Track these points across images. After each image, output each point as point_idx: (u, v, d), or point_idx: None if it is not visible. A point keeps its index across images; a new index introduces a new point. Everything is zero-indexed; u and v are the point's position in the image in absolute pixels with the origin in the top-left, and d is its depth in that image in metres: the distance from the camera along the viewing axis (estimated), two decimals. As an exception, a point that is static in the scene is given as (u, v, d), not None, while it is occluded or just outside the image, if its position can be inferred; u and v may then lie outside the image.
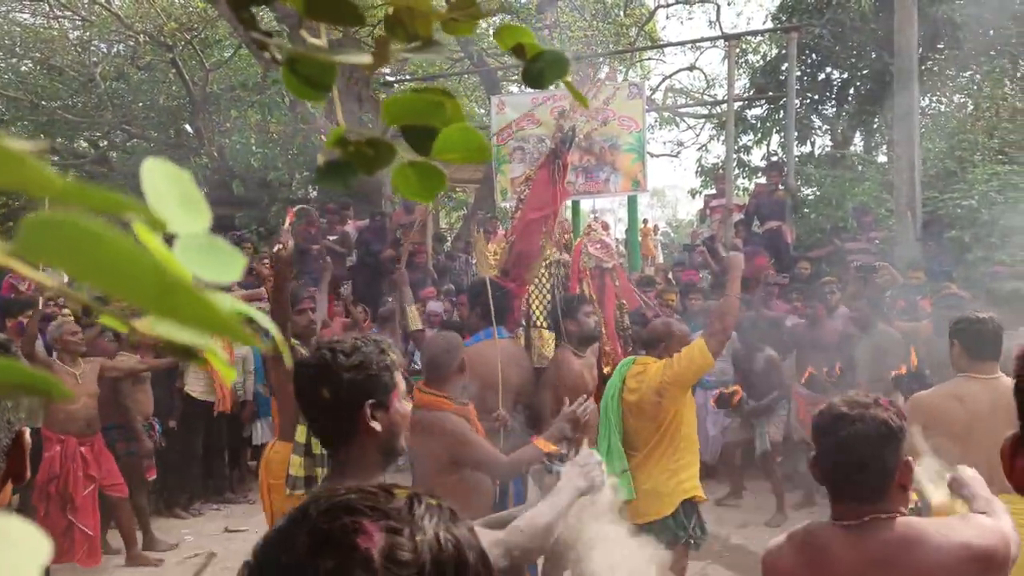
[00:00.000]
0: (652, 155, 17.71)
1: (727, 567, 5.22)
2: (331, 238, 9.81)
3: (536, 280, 4.43)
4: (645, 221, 15.22)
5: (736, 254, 3.78)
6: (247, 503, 6.80)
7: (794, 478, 6.58)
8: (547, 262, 4.38)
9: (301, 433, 3.68)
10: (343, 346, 1.75)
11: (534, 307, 4.39)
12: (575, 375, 3.85)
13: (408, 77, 13.43)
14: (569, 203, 13.10)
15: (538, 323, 4.37)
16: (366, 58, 0.60)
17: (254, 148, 10.46)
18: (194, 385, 6.55)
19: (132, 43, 13.28)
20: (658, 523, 3.31)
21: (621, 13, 14.63)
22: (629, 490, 3.32)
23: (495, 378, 3.77)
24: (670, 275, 9.41)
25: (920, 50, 11.33)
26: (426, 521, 0.75)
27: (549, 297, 4.40)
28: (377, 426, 1.69)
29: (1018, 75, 11.30)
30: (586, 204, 14.15)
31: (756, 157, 13.55)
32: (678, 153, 17.73)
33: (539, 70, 0.83)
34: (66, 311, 6.02)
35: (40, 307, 5.85)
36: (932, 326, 5.64)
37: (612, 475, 3.35)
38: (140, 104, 13.24)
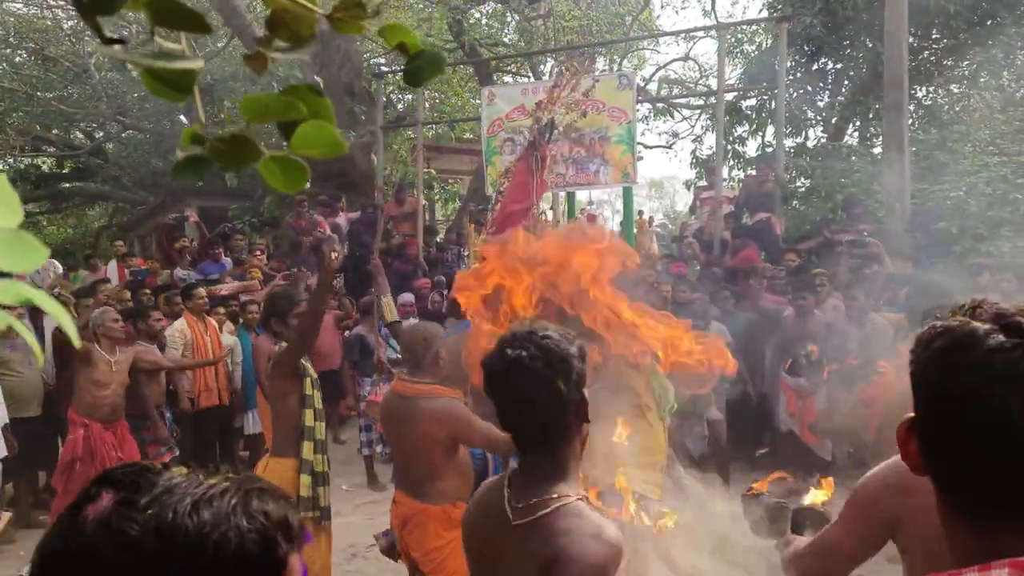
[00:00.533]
0: (646, 146, 17.71)
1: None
2: (320, 231, 9.84)
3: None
4: (640, 213, 15.21)
5: None
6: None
7: (785, 467, 6.60)
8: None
9: (308, 449, 3.58)
10: (552, 333, 1.64)
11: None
12: None
13: (400, 68, 13.40)
14: (564, 194, 13.17)
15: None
16: (197, 61, 0.63)
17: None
18: (181, 381, 6.68)
19: (126, 33, 13.28)
20: None
21: (616, 2, 14.59)
22: None
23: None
24: (659, 267, 9.42)
25: (914, 40, 11.33)
26: (174, 496, 0.73)
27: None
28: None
29: (1012, 67, 11.28)
30: (583, 195, 14.17)
31: (752, 148, 13.55)
32: (672, 144, 17.74)
33: (417, 68, 0.86)
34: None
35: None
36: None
37: None
38: (135, 95, 13.24)
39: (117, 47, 0.61)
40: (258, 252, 9.57)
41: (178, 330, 6.68)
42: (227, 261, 9.10)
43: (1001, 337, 0.85)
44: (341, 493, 6.59)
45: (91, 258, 10.60)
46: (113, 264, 9.77)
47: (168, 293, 7.39)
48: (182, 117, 12.91)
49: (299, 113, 0.67)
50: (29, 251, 0.45)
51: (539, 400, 1.58)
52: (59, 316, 0.47)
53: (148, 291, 7.67)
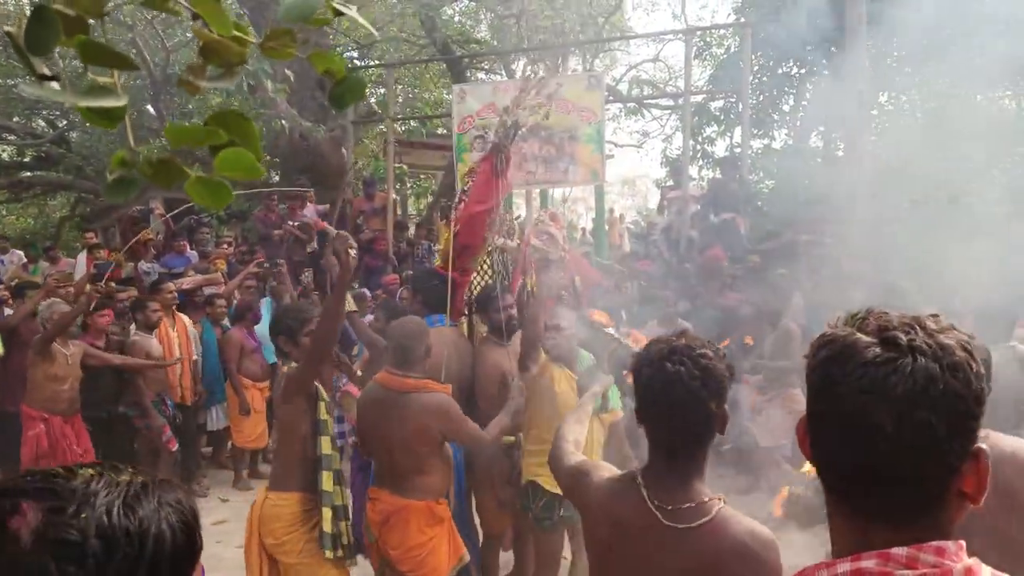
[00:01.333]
0: (617, 145, 17.86)
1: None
2: (292, 223, 9.82)
3: (479, 268, 4.54)
4: (612, 210, 15.38)
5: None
6: (199, 496, 6.79)
7: (745, 462, 6.78)
8: (489, 249, 4.48)
9: (328, 480, 3.23)
10: (707, 350, 1.74)
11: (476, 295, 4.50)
12: (491, 364, 3.98)
13: (373, 63, 13.40)
14: (537, 192, 13.24)
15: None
16: (122, 99, 0.69)
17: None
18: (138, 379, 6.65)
19: (92, 21, 13.07)
20: (522, 491, 3.74)
21: (589, 3, 14.67)
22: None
23: (435, 367, 3.88)
24: (626, 264, 9.57)
25: (874, 47, 11.57)
26: (99, 498, 0.75)
27: (492, 284, 4.51)
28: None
29: (964, 74, 11.55)
30: (558, 192, 14.24)
31: (720, 148, 13.75)
32: (643, 144, 17.91)
33: (340, 93, 0.93)
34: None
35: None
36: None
37: None
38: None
39: (53, 84, 0.68)
40: (224, 245, 9.53)
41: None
42: (192, 254, 9.05)
43: (877, 350, 0.91)
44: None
45: (51, 249, 10.46)
46: (83, 256, 9.65)
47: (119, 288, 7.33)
48: (149, 107, 12.77)
49: (220, 139, 0.74)
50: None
51: (691, 414, 1.71)
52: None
53: (113, 284, 7.61)
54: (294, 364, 3.32)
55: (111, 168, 0.74)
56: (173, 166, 0.74)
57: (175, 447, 6.27)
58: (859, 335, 0.94)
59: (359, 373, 4.77)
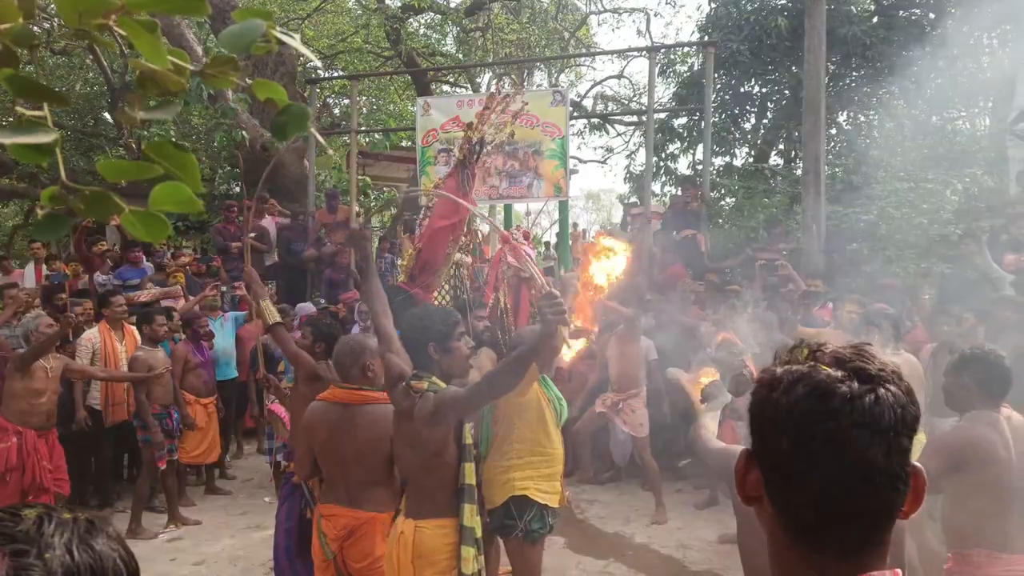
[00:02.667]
0: (581, 160, 18.00)
1: (629, 566, 5.38)
2: (251, 235, 9.69)
3: (443, 286, 4.54)
4: (575, 225, 15.49)
5: (569, 276, 3.73)
6: (158, 511, 6.63)
7: (703, 477, 6.85)
8: (453, 264, 4.49)
9: (470, 514, 2.88)
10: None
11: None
12: None
13: (336, 75, 13.33)
14: (501, 207, 13.26)
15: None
16: (53, 135, 0.68)
17: (173, 141, 10.24)
18: (96, 396, 6.54)
19: (48, 26, 12.82)
20: (497, 510, 3.58)
21: (555, 18, 14.81)
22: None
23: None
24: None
25: (835, 68, 11.86)
26: (56, 538, 0.79)
27: (449, 298, 4.51)
28: None
29: (923, 96, 11.89)
30: (521, 206, 14.28)
31: (683, 165, 13.93)
32: (607, 159, 18.09)
33: (282, 123, 0.92)
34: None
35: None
36: (842, 334, 5.97)
37: None
38: (55, 89, 12.79)
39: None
40: (183, 257, 9.37)
41: (86, 338, 6.46)
42: (148, 266, 8.88)
43: (855, 384, 0.92)
44: (264, 506, 6.55)
45: (3, 259, 10.19)
46: (31, 267, 9.41)
47: (71, 300, 7.15)
48: (106, 115, 12.53)
49: (154, 173, 0.73)
50: None
51: None
52: None
53: (63, 296, 7.44)
54: (435, 380, 2.89)
55: (41, 203, 0.73)
56: (108, 199, 0.72)
57: (163, 465, 6.15)
58: (826, 369, 0.95)
59: (287, 392, 4.68)
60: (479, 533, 2.91)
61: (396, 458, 3.08)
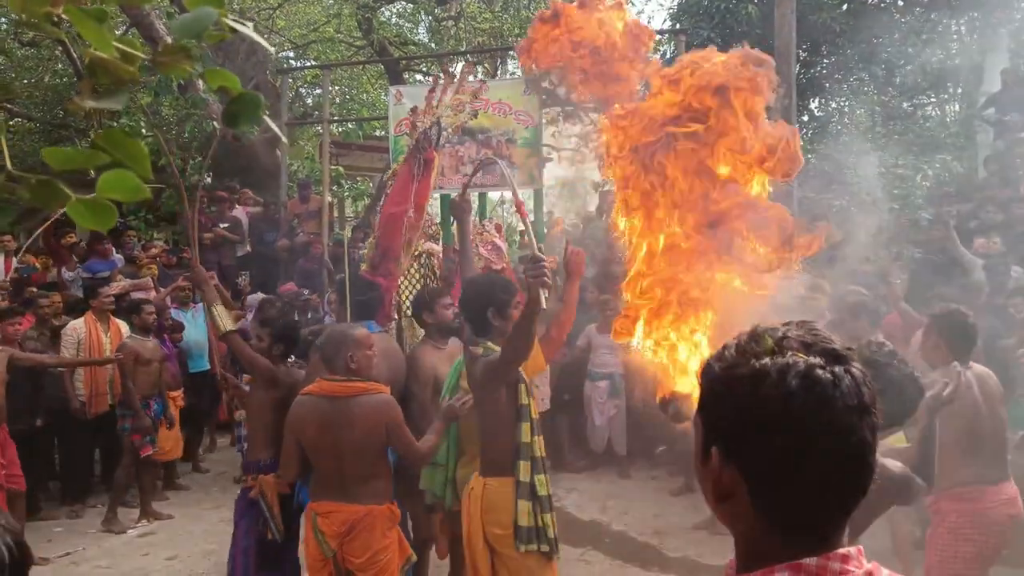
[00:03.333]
0: (555, 149, 17.93)
1: (606, 553, 5.44)
2: (223, 225, 9.61)
3: (406, 272, 4.50)
4: (551, 213, 15.46)
5: (577, 250, 3.48)
6: (130, 506, 6.60)
7: (678, 464, 6.92)
8: (416, 253, 4.45)
9: (525, 470, 3.03)
10: None
11: (404, 299, 4.47)
12: (427, 368, 3.97)
13: (309, 64, 13.21)
14: (475, 194, 13.18)
15: (408, 314, 4.46)
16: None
17: (144, 132, 10.10)
18: (81, 388, 6.49)
19: (15, 17, 12.54)
20: None
21: (528, 7, 14.75)
22: (451, 498, 3.48)
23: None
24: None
25: (806, 55, 11.96)
26: None
27: (419, 288, 4.49)
28: None
29: (892, 83, 12.04)
30: (493, 195, 14.26)
31: (656, 152, 13.98)
32: (580, 148, 18.01)
33: (234, 112, 0.92)
34: None
35: None
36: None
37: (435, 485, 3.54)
38: (24, 81, 12.53)
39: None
40: (153, 248, 9.27)
41: (72, 328, 6.44)
42: (118, 258, 8.77)
43: (837, 368, 0.93)
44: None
45: (-30, 252, 10.00)
46: (0, 259, 9.26)
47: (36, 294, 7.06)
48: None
49: (100, 161, 0.73)
50: None
51: None
52: None
53: (33, 289, 7.34)
54: (489, 345, 3.18)
55: (-10, 190, 0.73)
56: (54, 187, 0.73)
57: (148, 452, 6.17)
58: (803, 356, 0.94)
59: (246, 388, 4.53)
60: (543, 491, 3.06)
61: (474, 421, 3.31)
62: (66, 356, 6.27)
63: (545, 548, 3.03)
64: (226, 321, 3.71)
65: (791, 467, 0.92)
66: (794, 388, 0.91)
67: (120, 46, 0.83)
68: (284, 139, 9.49)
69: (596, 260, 9.35)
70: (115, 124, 11.01)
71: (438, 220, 5.78)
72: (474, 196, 13.03)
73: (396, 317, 4.48)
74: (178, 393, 6.85)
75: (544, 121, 7.68)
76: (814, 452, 0.91)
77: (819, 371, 0.92)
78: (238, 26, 0.92)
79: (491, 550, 3.12)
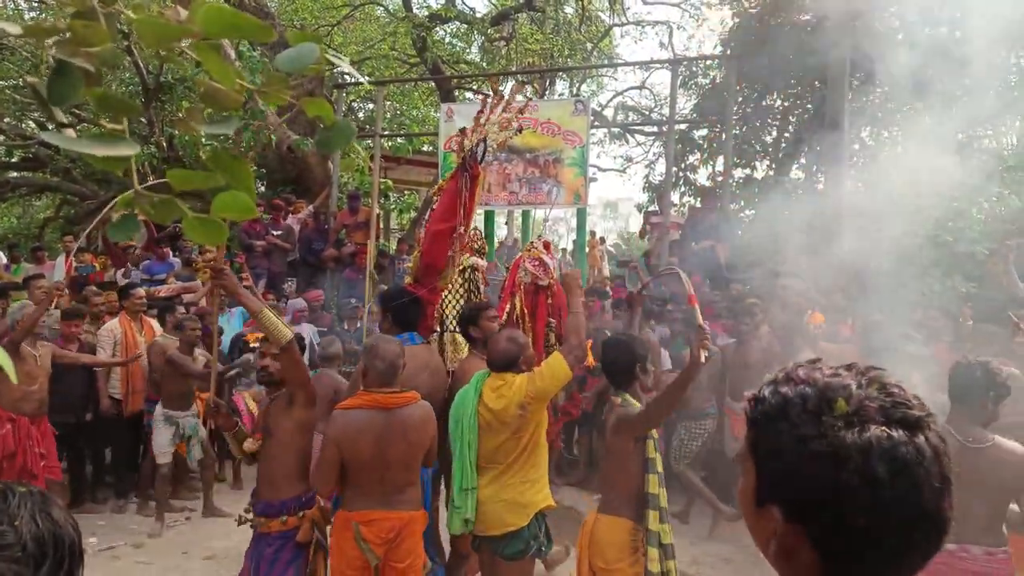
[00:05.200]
0: (601, 169, 18.02)
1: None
2: (275, 233, 9.85)
3: (450, 286, 4.56)
4: (593, 233, 15.52)
5: (573, 270, 3.64)
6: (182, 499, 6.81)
7: (730, 492, 6.82)
8: (461, 268, 4.51)
9: (654, 519, 3.26)
10: None
11: (447, 312, 4.53)
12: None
13: (363, 80, 13.49)
14: (519, 212, 13.31)
15: (451, 328, 4.52)
16: (133, 148, 0.77)
17: (203, 141, 10.44)
18: (117, 386, 6.71)
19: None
20: (512, 534, 3.41)
21: (578, 29, 14.90)
22: (472, 508, 3.41)
23: (408, 384, 3.92)
24: (609, 288, 9.71)
25: (858, 83, 11.84)
26: (21, 509, 0.93)
27: (463, 302, 4.54)
28: None
29: (948, 114, 11.83)
30: (536, 213, 14.40)
31: (703, 176, 13.95)
32: (626, 168, 18.11)
33: (327, 139, 1.02)
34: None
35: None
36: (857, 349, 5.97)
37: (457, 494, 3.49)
38: (135, 104, 13.05)
39: (69, 132, 0.76)
40: (208, 253, 9.55)
41: (108, 329, 6.66)
42: (175, 261, 9.05)
43: (919, 439, 0.91)
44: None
45: (38, 250, 10.43)
46: (61, 259, 9.64)
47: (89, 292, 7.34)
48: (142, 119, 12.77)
49: (218, 182, 0.82)
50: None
51: None
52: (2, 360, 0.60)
53: (94, 287, 7.62)
54: (627, 397, 3.42)
55: (117, 208, 0.82)
56: (173, 204, 0.82)
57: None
58: (882, 429, 0.91)
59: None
60: (667, 539, 3.28)
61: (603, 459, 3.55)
62: (102, 356, 6.49)
63: None
64: (283, 330, 3.38)
65: (871, 543, 0.90)
66: (880, 475, 0.88)
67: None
68: (363, 153, 9.68)
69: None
70: (175, 133, 11.39)
71: (484, 235, 5.83)
72: (518, 213, 13.16)
73: (438, 330, 4.55)
74: (204, 396, 7.02)
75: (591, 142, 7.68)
76: (899, 533, 0.89)
77: (903, 449, 0.89)
78: (336, 60, 1.01)
79: None
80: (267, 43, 11.01)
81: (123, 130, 0.80)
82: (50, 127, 0.75)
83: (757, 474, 0.98)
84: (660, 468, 3.35)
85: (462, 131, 4.37)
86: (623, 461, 3.34)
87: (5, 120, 14.76)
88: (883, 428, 0.89)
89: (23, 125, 15.36)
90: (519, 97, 4.61)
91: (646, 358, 3.49)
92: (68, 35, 0.85)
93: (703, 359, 3.19)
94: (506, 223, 13.82)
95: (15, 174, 15.48)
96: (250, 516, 3.58)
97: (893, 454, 0.88)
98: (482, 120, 4.31)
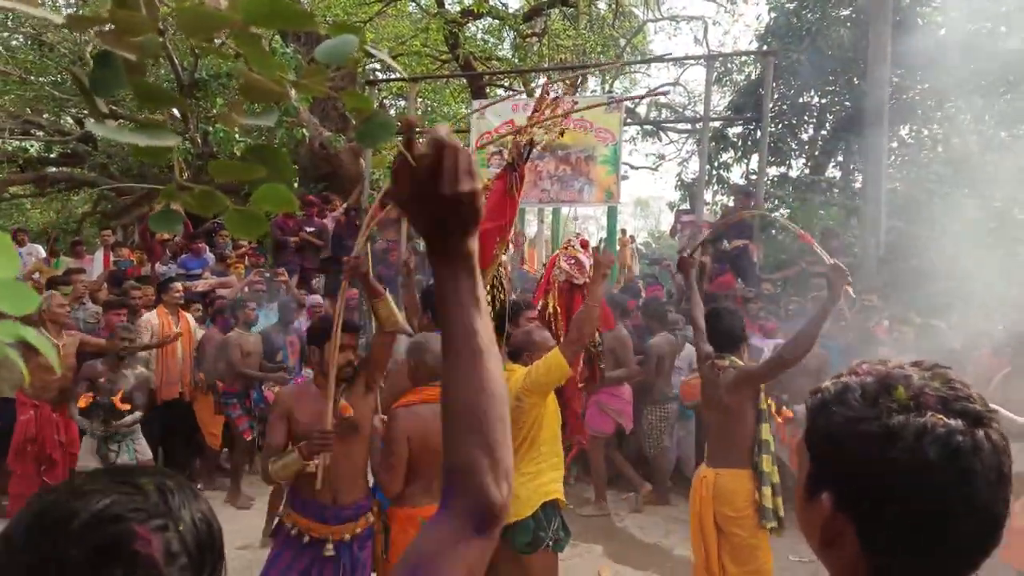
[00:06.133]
0: (632, 167, 17.90)
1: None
2: (308, 230, 9.92)
3: (486, 284, 4.56)
4: (624, 231, 15.42)
5: (606, 254, 3.64)
6: (217, 489, 6.90)
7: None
8: (498, 265, 4.50)
9: (768, 463, 3.69)
10: None
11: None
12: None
13: (394, 77, 13.55)
14: (549, 210, 13.26)
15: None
16: (175, 139, 0.75)
17: (237, 137, 10.54)
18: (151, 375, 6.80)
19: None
20: (519, 524, 3.40)
21: (612, 25, 14.79)
22: None
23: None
24: (641, 285, 9.64)
25: (899, 79, 11.61)
26: (183, 510, 0.86)
27: (489, 299, 4.54)
28: None
29: (992, 112, 11.55)
30: (565, 210, 14.35)
31: (736, 174, 13.79)
32: (659, 166, 17.98)
33: (367, 132, 0.99)
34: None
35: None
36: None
37: None
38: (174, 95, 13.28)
39: (110, 122, 0.74)
40: (241, 248, 9.66)
41: (146, 321, 6.77)
42: (210, 256, 9.16)
43: (978, 432, 0.87)
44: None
45: (77, 245, 10.63)
46: (100, 253, 9.81)
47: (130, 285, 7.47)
48: (175, 111, 12.96)
49: (259, 174, 0.80)
50: (24, 298, 0.57)
51: None
52: (43, 348, 0.59)
53: (133, 281, 7.74)
54: (734, 359, 3.77)
55: (159, 200, 0.80)
56: (214, 196, 0.80)
57: (249, 437, 6.74)
58: (941, 418, 0.88)
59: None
60: (775, 478, 3.63)
61: (704, 419, 4.01)
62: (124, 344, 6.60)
63: (774, 524, 3.59)
64: (398, 315, 3.44)
65: (917, 535, 0.87)
66: (932, 458, 0.85)
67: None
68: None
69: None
70: (211, 129, 11.54)
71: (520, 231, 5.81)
72: (548, 211, 13.10)
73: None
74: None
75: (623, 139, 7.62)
76: (944, 525, 0.86)
77: (959, 438, 0.86)
78: (375, 52, 0.98)
79: (718, 530, 3.69)
80: (301, 35, 11.08)
81: (164, 121, 0.78)
82: (91, 121, 0.74)
83: (811, 461, 0.97)
84: (773, 418, 3.76)
85: (519, 130, 4.34)
86: (742, 414, 3.67)
87: (44, 116, 15.07)
88: (940, 416, 0.87)
89: (62, 121, 15.68)
90: (567, 99, 4.59)
91: (745, 329, 3.92)
92: (110, 25, 0.84)
93: (840, 299, 3.43)
94: (540, 221, 13.79)
95: (53, 169, 15.80)
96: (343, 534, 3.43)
97: (947, 440, 0.85)
98: (540, 117, 4.29)
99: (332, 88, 1.02)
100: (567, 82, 6.48)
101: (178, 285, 7.17)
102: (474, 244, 0.97)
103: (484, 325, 0.97)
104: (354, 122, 11.73)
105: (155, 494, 0.85)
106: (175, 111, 13.66)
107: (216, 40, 0.86)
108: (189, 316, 7.14)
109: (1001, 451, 0.88)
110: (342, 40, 0.89)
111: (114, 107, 11.17)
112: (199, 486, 6.97)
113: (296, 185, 12.30)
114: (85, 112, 15.50)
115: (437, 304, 0.98)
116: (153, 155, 0.76)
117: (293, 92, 0.88)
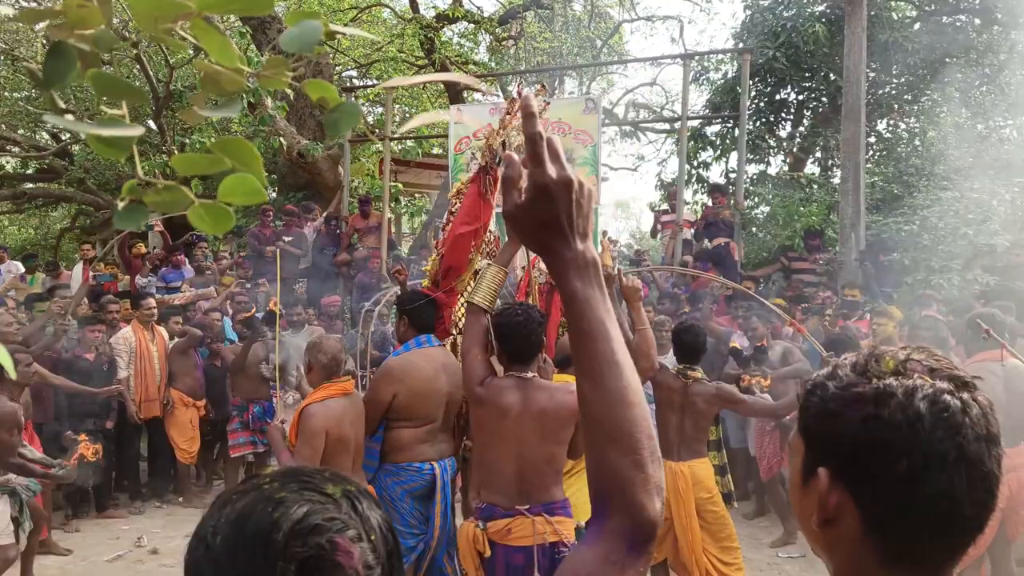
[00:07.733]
0: (612, 168, 17.93)
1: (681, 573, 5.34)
2: (287, 239, 9.85)
3: (466, 290, 4.51)
4: (605, 233, 15.44)
5: (634, 282, 3.82)
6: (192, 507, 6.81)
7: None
8: (475, 271, 4.47)
9: (719, 458, 4.59)
10: None
11: (460, 316, 4.48)
12: None
13: (371, 83, 13.50)
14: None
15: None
16: (138, 129, 0.72)
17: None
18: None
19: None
20: (578, 530, 3.41)
21: (587, 26, 14.83)
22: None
23: (425, 386, 3.88)
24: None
25: (875, 75, 11.71)
26: (372, 518, 0.83)
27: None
28: None
29: (968, 104, 11.69)
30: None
31: (716, 173, 13.84)
32: (637, 167, 18.05)
33: (335, 119, 0.96)
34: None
35: None
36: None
37: None
38: (103, 99, 13.11)
39: (68, 116, 0.71)
40: (224, 260, 9.59)
41: (122, 337, 6.69)
42: (189, 269, 9.07)
43: (964, 394, 0.89)
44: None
45: (53, 262, 10.49)
46: (79, 268, 9.69)
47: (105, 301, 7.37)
48: (150, 123, 12.82)
49: (224, 167, 0.76)
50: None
51: None
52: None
53: (111, 296, 7.64)
54: (700, 371, 4.35)
55: (121, 196, 0.77)
56: (179, 192, 0.77)
57: (238, 453, 6.87)
58: (927, 379, 0.90)
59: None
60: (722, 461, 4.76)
61: (660, 417, 4.34)
62: (120, 363, 6.62)
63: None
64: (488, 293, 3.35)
65: (913, 493, 0.87)
66: (922, 411, 0.87)
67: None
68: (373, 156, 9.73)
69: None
70: (187, 141, 11.43)
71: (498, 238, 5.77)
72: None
73: (453, 333, 4.50)
74: (202, 402, 7.03)
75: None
76: (940, 479, 0.86)
77: (947, 396, 0.88)
78: (340, 29, 0.95)
79: (698, 514, 4.17)
80: (276, 43, 11.01)
81: (123, 115, 0.74)
82: (49, 114, 0.71)
83: (805, 447, 0.97)
84: None
85: (491, 132, 4.30)
86: (709, 419, 4.34)
87: (19, 132, 14.87)
88: (927, 378, 0.90)
89: (37, 136, 15.48)
90: (539, 99, 4.55)
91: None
92: (63, 19, 0.81)
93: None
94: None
95: (31, 185, 15.60)
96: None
97: (936, 398, 0.88)
98: (513, 119, 4.24)
99: (295, 79, 0.99)
100: (543, 84, 6.45)
101: (151, 300, 7.12)
102: (594, 249, 0.97)
103: (620, 336, 0.98)
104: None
105: (345, 501, 0.82)
106: (151, 124, 13.54)
107: (175, 31, 0.84)
108: (162, 330, 7.06)
109: (988, 412, 0.90)
110: (305, 26, 0.86)
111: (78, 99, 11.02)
112: (180, 500, 6.91)
113: (275, 194, 12.20)
114: (60, 127, 15.33)
115: (574, 319, 0.97)
116: (116, 147, 0.73)
117: (269, 102, 0.84)
